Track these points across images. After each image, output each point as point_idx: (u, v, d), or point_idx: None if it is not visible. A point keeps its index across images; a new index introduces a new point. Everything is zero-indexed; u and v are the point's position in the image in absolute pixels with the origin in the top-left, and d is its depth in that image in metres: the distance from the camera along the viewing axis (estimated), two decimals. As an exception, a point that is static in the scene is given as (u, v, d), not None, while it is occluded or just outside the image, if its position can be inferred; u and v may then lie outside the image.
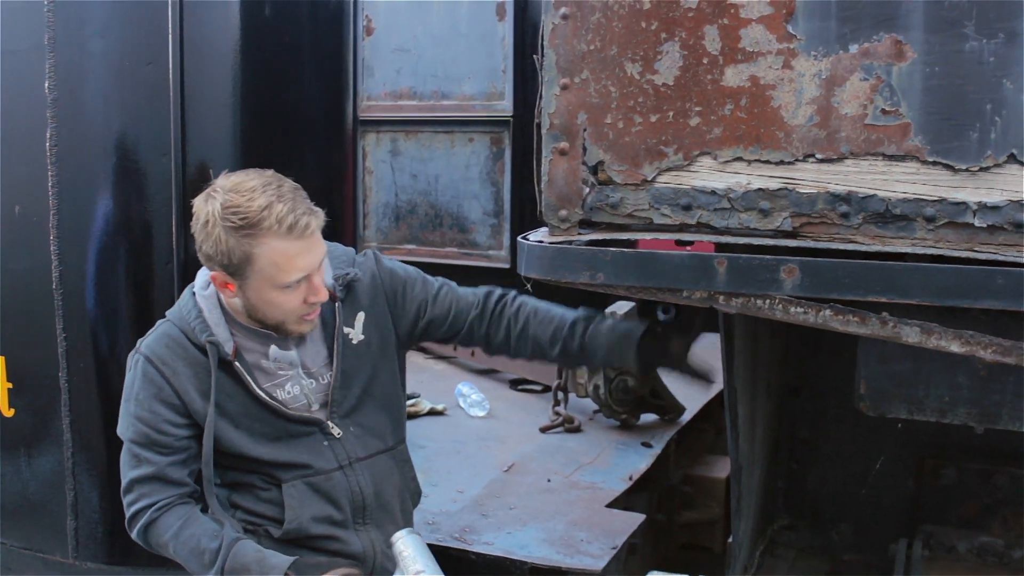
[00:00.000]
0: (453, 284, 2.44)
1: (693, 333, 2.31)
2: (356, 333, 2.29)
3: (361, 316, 2.30)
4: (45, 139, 2.79)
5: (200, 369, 2.17)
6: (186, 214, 2.80)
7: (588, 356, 2.32)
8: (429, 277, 2.43)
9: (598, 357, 2.32)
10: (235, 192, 2.03)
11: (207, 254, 2.09)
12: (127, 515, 2.21)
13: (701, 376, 2.33)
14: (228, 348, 2.17)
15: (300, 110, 3.01)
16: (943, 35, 1.81)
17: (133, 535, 2.22)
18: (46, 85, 2.77)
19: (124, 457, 2.21)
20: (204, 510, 2.23)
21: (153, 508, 2.17)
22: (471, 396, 4.21)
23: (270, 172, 2.11)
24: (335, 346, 2.25)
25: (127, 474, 2.20)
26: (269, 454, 2.20)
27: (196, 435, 2.18)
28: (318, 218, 2.08)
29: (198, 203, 2.10)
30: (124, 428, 2.21)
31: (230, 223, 2.01)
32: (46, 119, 2.79)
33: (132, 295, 2.87)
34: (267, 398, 2.19)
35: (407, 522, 2.38)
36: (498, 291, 2.42)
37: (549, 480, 3.37)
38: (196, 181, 2.82)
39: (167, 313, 2.27)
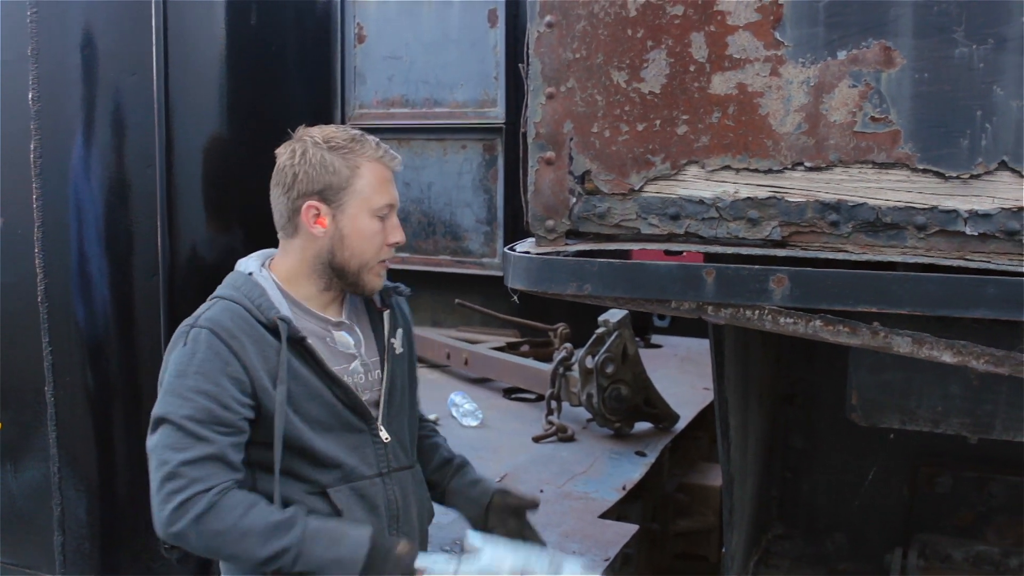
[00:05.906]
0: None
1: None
2: (398, 345, 2.29)
3: (401, 332, 2.31)
4: (29, 150, 2.77)
5: (266, 348, 2.06)
6: (172, 226, 2.80)
7: (445, 502, 2.45)
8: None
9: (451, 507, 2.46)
10: (328, 130, 2.16)
11: (304, 182, 2.10)
12: (171, 505, 1.93)
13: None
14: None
15: (286, 119, 2.97)
16: (932, 41, 1.79)
17: (180, 525, 1.94)
18: (30, 96, 2.75)
19: (167, 439, 1.97)
20: None
21: (214, 491, 1.95)
22: (464, 406, 4.19)
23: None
24: (385, 351, 2.24)
25: (173, 457, 1.95)
26: (322, 446, 2.10)
27: (253, 419, 2.05)
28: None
29: (283, 151, 2.16)
30: (176, 406, 1.99)
31: (332, 144, 2.11)
32: (30, 130, 2.77)
33: (118, 308, 2.84)
34: (338, 375, 2.12)
35: (424, 541, 2.37)
36: (430, 418, 2.65)
37: (542, 490, 3.35)
38: (182, 193, 2.81)
39: (217, 294, 2.15)
